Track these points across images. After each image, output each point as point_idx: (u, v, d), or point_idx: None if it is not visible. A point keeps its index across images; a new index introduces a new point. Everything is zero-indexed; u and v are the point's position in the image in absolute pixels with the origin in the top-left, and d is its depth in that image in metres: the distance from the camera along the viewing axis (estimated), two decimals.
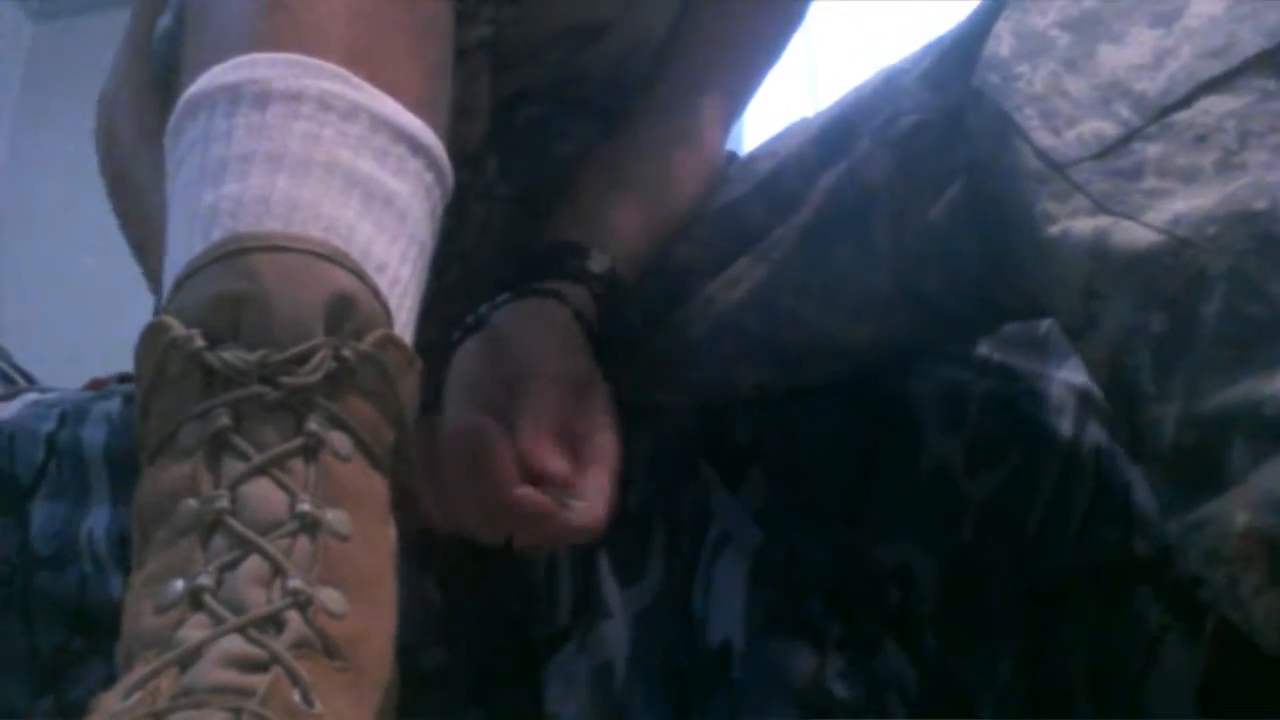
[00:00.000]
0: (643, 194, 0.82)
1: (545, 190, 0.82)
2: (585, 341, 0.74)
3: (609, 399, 0.72)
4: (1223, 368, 0.46)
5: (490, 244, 0.82)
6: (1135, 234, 0.49)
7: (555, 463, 0.67)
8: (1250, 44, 0.51)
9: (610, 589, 0.84)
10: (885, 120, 0.69)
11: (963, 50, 0.64)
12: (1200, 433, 0.46)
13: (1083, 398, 0.77)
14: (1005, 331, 0.81)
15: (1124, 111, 0.53)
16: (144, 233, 0.84)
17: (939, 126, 0.65)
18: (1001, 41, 0.59)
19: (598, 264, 0.77)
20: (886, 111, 0.69)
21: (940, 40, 0.68)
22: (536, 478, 0.67)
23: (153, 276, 0.82)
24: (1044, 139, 0.55)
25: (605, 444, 0.70)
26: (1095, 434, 0.77)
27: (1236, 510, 0.44)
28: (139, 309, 0.84)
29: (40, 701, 0.91)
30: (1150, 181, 0.51)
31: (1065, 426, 0.78)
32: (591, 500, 0.67)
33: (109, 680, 0.46)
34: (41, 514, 0.94)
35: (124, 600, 0.48)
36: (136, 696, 0.43)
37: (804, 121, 0.80)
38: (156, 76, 0.84)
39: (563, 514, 0.66)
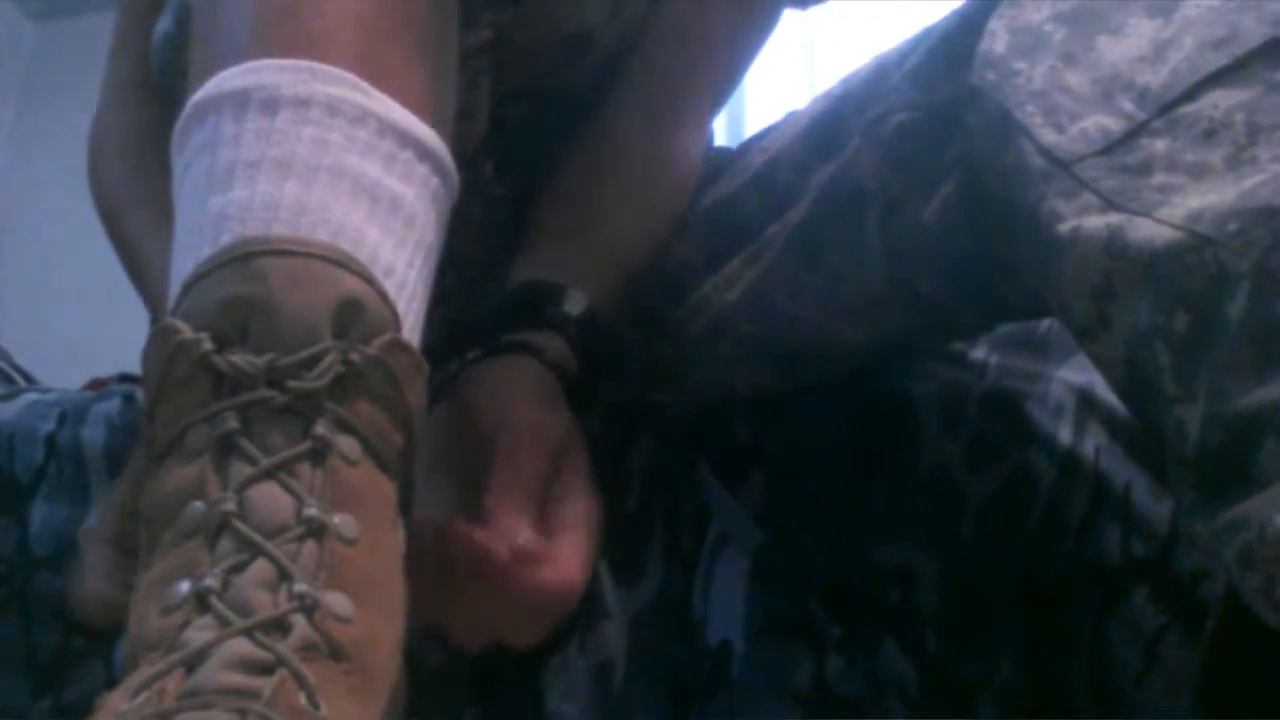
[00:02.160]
0: (617, 220, 0.80)
1: (540, 191, 0.82)
2: (560, 396, 0.70)
3: (585, 458, 0.69)
4: (1249, 367, 0.45)
5: (488, 245, 0.82)
6: (1151, 231, 0.49)
7: (525, 534, 0.63)
8: (1254, 34, 0.50)
9: (610, 589, 0.84)
10: (874, 118, 0.69)
11: (951, 48, 0.64)
12: (1227, 433, 0.45)
13: (1083, 398, 0.78)
14: (1005, 331, 0.81)
15: (1127, 105, 0.52)
16: (141, 282, 0.84)
17: (928, 124, 0.65)
18: (997, 38, 0.59)
19: (574, 305, 0.74)
20: (875, 109, 0.69)
21: (927, 35, 0.67)
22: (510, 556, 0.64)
23: (152, 305, 0.82)
24: (1047, 136, 0.54)
25: (580, 510, 0.67)
26: (1095, 434, 0.77)
27: (1274, 512, 0.43)
28: (139, 309, 0.84)
29: (39, 701, 0.91)
30: (1160, 177, 0.50)
31: (1065, 426, 0.78)
32: (565, 561, 0.64)
33: (108, 680, 0.46)
34: (41, 514, 0.94)
35: (129, 600, 0.48)
36: (143, 697, 0.43)
37: (795, 115, 0.80)
38: (154, 81, 0.84)
39: (529, 570, 0.62)
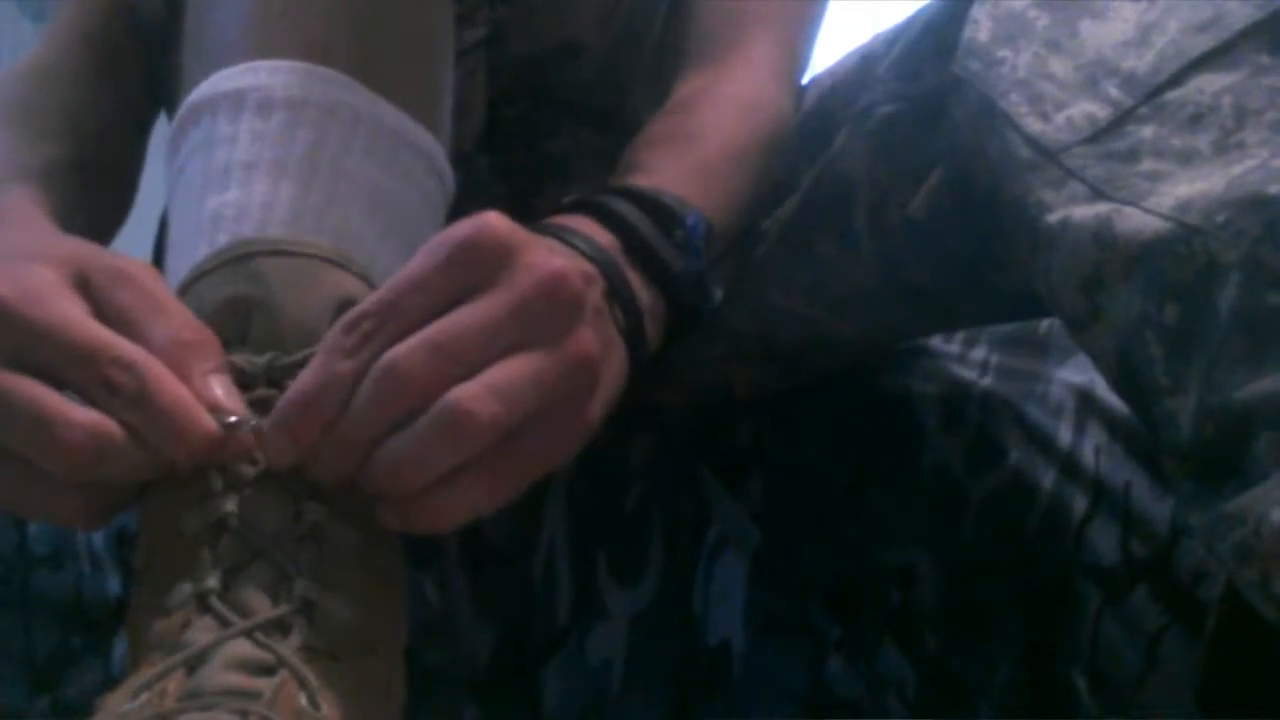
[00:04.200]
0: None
1: (537, 190, 0.81)
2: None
3: None
4: (1241, 359, 0.44)
5: None
6: (1140, 221, 0.48)
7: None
8: (1240, 15, 0.50)
9: (609, 590, 0.84)
10: (860, 111, 0.68)
11: (934, 37, 0.63)
12: (1220, 426, 0.45)
13: (1083, 397, 0.78)
14: (1005, 331, 0.81)
15: (1113, 92, 0.52)
16: None
17: (913, 116, 0.65)
18: (979, 26, 0.58)
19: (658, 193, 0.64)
20: (861, 101, 0.68)
21: (910, 25, 0.67)
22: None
23: None
24: (1033, 125, 0.54)
25: None
26: (1095, 434, 0.77)
27: (1270, 506, 0.42)
28: None
29: (37, 701, 0.91)
30: (1148, 164, 0.50)
31: (1065, 426, 0.78)
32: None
33: (106, 680, 0.46)
34: None
35: (129, 601, 0.48)
36: (144, 698, 0.43)
37: None
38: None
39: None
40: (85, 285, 0.49)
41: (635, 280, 0.61)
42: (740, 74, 0.77)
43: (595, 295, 0.53)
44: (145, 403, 0.45)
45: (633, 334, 0.59)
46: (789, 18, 0.82)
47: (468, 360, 0.46)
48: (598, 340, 0.50)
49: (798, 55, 0.82)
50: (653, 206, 0.63)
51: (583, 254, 0.58)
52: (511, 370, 0.47)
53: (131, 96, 0.83)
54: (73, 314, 0.47)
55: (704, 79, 0.78)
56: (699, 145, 0.71)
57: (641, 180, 0.66)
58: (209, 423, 0.46)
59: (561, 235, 0.59)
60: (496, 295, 0.47)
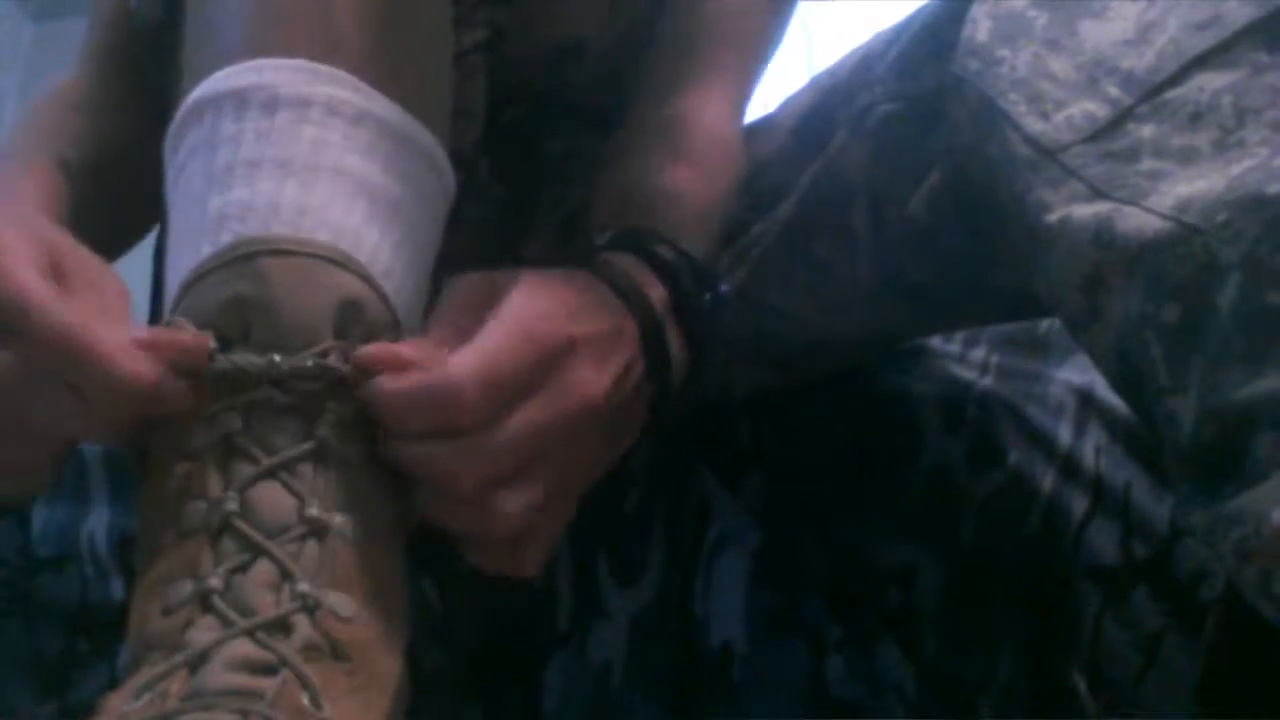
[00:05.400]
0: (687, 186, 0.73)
1: (537, 191, 0.81)
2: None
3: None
4: (1241, 358, 0.44)
5: (486, 246, 0.82)
6: (1140, 220, 0.48)
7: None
8: (1239, 14, 0.50)
9: (610, 590, 0.84)
10: (859, 111, 0.68)
11: (933, 36, 0.63)
12: (1220, 426, 0.45)
13: (1083, 398, 0.78)
14: (1005, 331, 0.81)
15: (1113, 91, 0.52)
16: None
17: (913, 115, 0.65)
18: (979, 26, 0.58)
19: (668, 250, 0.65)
20: (860, 101, 0.68)
21: (910, 24, 0.67)
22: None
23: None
24: (1032, 124, 0.54)
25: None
26: (1095, 434, 0.77)
27: (1270, 506, 0.42)
28: (137, 311, 0.84)
29: (44, 704, 0.91)
30: (1147, 163, 0.50)
31: (1065, 426, 0.78)
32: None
33: (112, 683, 0.46)
34: (41, 516, 0.94)
35: (130, 601, 0.48)
36: (145, 698, 0.43)
37: (783, 112, 0.80)
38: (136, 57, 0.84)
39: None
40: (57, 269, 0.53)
41: (675, 337, 0.63)
42: (712, 100, 0.78)
43: (633, 372, 0.60)
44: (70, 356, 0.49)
45: (660, 394, 0.63)
46: (757, 31, 0.84)
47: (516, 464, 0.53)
48: (602, 438, 0.60)
49: (755, 77, 0.84)
50: (692, 265, 0.66)
51: (639, 319, 0.61)
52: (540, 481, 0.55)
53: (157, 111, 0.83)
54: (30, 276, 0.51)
55: (682, 100, 0.78)
56: (704, 175, 0.72)
57: (667, 213, 0.68)
58: (138, 365, 0.48)
59: (622, 287, 0.61)
60: (542, 412, 0.54)
